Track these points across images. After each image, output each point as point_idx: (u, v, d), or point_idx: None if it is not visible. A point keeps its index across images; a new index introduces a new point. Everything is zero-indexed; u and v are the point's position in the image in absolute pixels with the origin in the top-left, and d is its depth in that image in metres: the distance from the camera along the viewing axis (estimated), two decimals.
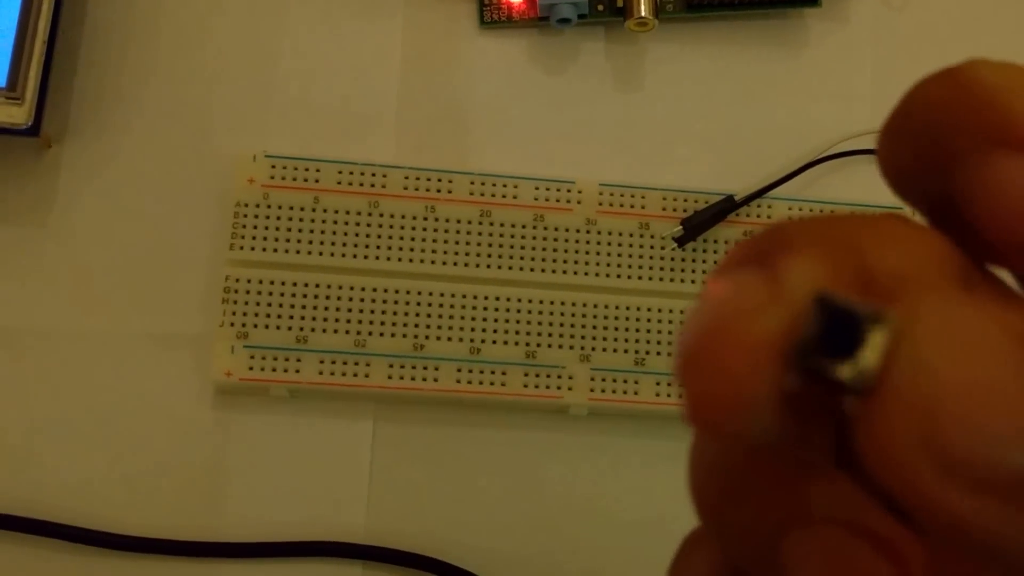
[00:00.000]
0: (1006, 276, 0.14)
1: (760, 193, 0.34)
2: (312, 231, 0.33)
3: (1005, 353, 0.10)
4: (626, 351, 0.33)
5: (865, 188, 0.35)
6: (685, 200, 0.34)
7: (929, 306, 0.11)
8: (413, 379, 0.33)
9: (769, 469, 0.13)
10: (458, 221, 0.33)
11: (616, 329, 0.33)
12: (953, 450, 0.10)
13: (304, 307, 0.33)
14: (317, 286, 0.33)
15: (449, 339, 0.33)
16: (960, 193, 0.13)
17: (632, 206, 0.34)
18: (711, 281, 0.12)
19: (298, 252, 0.33)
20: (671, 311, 0.34)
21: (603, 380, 0.33)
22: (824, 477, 0.12)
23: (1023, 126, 0.13)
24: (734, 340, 0.11)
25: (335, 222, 0.33)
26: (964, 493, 0.10)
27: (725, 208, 0.34)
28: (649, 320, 0.34)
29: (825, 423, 0.12)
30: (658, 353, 0.34)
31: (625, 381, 0.33)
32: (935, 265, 0.13)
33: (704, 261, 0.34)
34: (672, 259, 0.34)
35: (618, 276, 0.34)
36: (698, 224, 0.34)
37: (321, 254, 0.33)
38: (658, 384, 0.33)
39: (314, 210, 0.33)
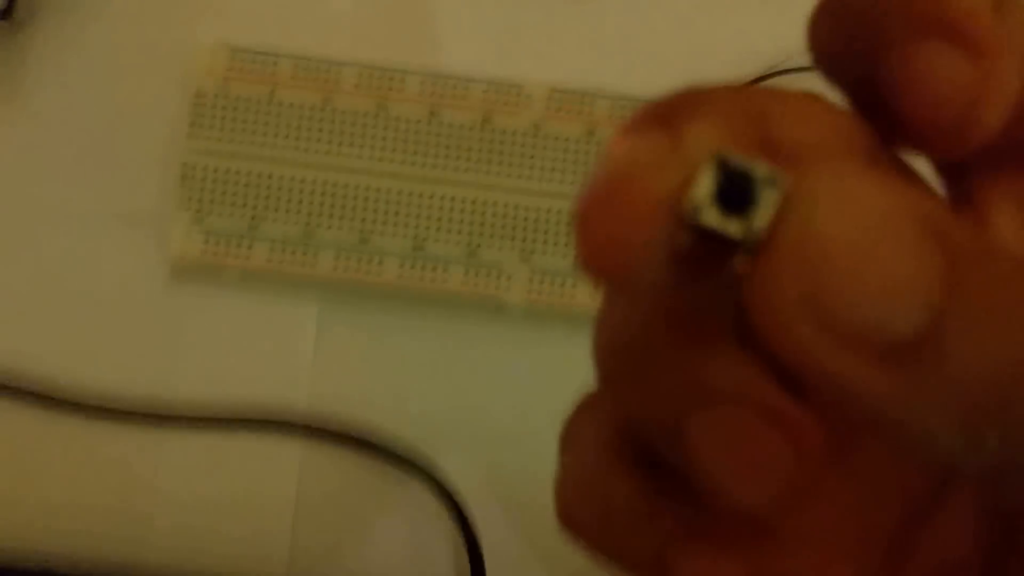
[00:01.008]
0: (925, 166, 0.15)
1: None
2: (267, 123, 0.34)
3: (890, 220, 0.10)
4: (565, 255, 0.35)
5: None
6: (634, 108, 0.35)
7: (823, 171, 0.11)
8: (358, 269, 0.34)
9: (671, 341, 0.13)
10: (407, 120, 0.34)
11: (558, 233, 0.35)
12: (832, 308, 0.10)
13: (257, 196, 0.34)
14: (270, 176, 0.34)
15: (394, 234, 0.34)
16: (885, 79, 0.13)
17: (580, 112, 0.35)
18: (615, 138, 0.12)
19: (253, 143, 0.34)
20: None
21: (541, 282, 0.34)
22: (725, 352, 0.12)
23: (954, 13, 0.13)
24: (630, 193, 0.11)
25: (289, 115, 0.34)
26: (841, 351, 0.10)
27: None
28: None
29: (725, 295, 0.12)
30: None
31: (563, 284, 0.35)
32: (840, 138, 0.13)
33: None
34: None
35: (561, 181, 0.35)
36: None
37: (275, 146, 0.34)
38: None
39: (269, 103, 0.34)
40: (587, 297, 0.35)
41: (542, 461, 0.16)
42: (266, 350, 0.35)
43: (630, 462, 0.14)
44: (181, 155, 0.34)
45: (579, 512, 0.15)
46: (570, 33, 0.36)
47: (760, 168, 0.11)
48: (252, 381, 0.35)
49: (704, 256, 0.11)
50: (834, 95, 0.14)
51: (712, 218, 0.11)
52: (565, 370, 0.35)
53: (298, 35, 0.35)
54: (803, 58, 0.35)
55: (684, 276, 0.12)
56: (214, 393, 0.34)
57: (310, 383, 0.35)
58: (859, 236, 0.10)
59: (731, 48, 0.36)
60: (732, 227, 0.11)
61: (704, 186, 0.11)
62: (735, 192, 0.11)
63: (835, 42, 0.14)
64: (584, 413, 0.15)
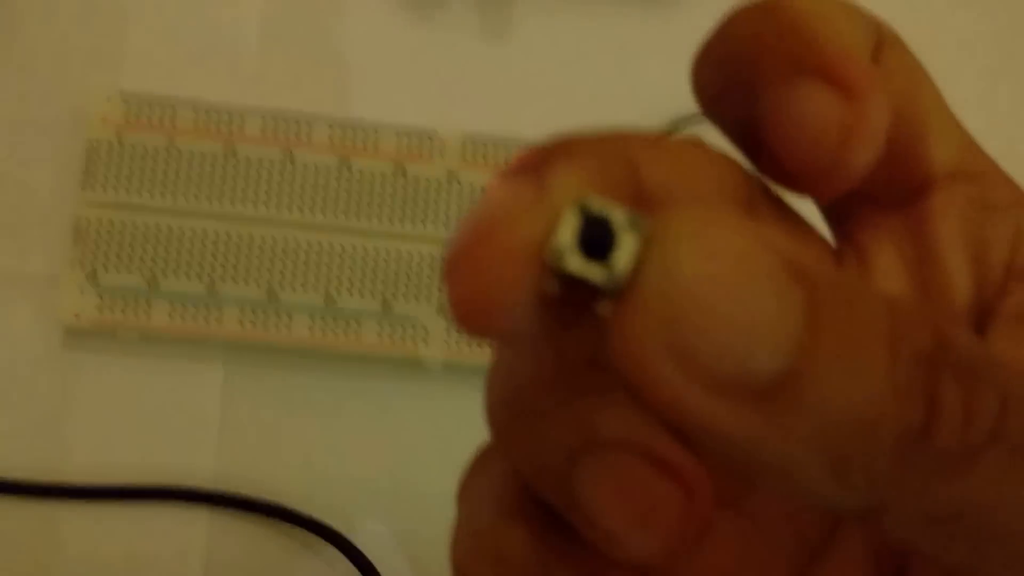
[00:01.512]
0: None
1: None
2: (166, 173, 0.32)
3: (750, 262, 0.10)
4: None
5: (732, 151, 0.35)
6: None
7: (683, 215, 0.11)
8: (266, 327, 0.32)
9: (557, 392, 0.13)
10: (316, 168, 0.33)
11: None
12: (692, 350, 0.10)
13: (156, 250, 0.32)
14: (170, 229, 0.32)
15: (304, 287, 0.33)
16: (761, 119, 0.13)
17: (495, 159, 0.34)
18: (488, 187, 0.12)
19: (151, 194, 0.32)
20: None
21: (459, 335, 0.33)
22: (613, 402, 0.12)
23: (828, 55, 0.13)
24: (494, 243, 0.11)
25: (190, 165, 0.32)
26: (703, 393, 0.10)
27: None
28: None
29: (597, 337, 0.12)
30: None
31: None
32: (711, 184, 0.13)
33: None
34: None
35: None
36: None
37: (175, 197, 0.32)
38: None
39: (168, 152, 0.32)
40: None
41: None
42: (169, 415, 0.33)
43: (524, 515, 0.14)
44: (74, 209, 0.32)
45: (474, 567, 0.14)
46: (483, 80, 0.35)
47: (619, 213, 0.11)
48: (155, 448, 0.33)
49: (571, 303, 0.11)
50: (724, 142, 0.14)
51: (575, 264, 0.11)
52: (483, 428, 0.34)
53: (198, 81, 0.34)
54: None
55: (554, 324, 0.12)
56: (114, 462, 0.32)
57: (216, 448, 0.33)
58: (718, 278, 0.10)
59: (646, 94, 0.36)
60: (594, 272, 0.11)
61: (566, 232, 0.11)
62: (597, 238, 0.11)
63: (717, 84, 0.14)
64: (478, 466, 0.15)
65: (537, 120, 0.35)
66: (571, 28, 0.36)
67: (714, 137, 0.36)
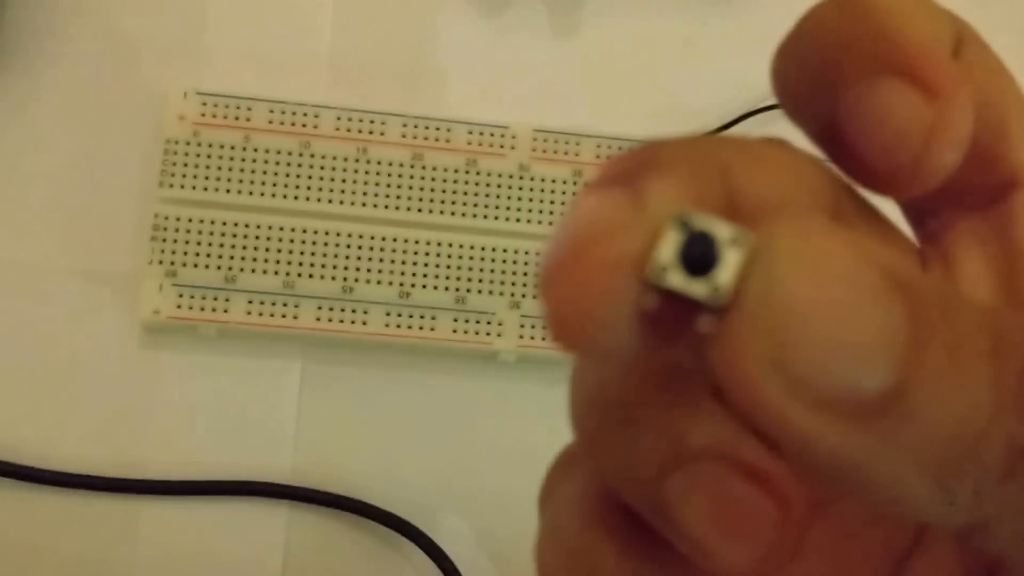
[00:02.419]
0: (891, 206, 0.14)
1: None
2: (243, 170, 0.33)
3: (853, 276, 0.10)
4: None
5: (800, 141, 0.35)
6: (619, 149, 0.34)
7: (787, 228, 0.11)
8: (342, 321, 0.33)
9: (647, 400, 0.13)
10: (390, 164, 0.33)
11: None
12: (797, 368, 0.10)
13: (233, 247, 0.32)
14: (247, 226, 0.32)
15: (379, 282, 0.33)
16: (843, 118, 0.13)
17: (566, 153, 0.34)
18: (579, 198, 0.12)
19: (228, 191, 0.33)
20: None
21: (532, 327, 0.33)
22: (703, 410, 0.12)
23: (911, 53, 0.13)
24: (592, 258, 0.11)
25: (266, 162, 0.33)
26: (808, 410, 0.10)
27: None
28: None
29: (698, 354, 0.11)
30: None
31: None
32: (803, 189, 0.13)
33: None
34: None
35: (550, 223, 0.34)
36: None
37: (251, 193, 0.33)
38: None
39: (244, 149, 0.33)
40: None
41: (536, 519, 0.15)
42: (247, 410, 0.33)
43: (612, 522, 0.14)
44: (152, 206, 0.32)
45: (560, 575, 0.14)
46: (553, 76, 0.36)
47: (722, 228, 0.11)
48: (233, 444, 0.33)
49: (671, 318, 0.11)
50: (801, 139, 0.14)
51: (676, 280, 0.11)
52: (556, 420, 0.34)
53: (273, 79, 0.34)
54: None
55: (653, 339, 0.11)
56: (193, 458, 0.32)
57: (294, 443, 0.33)
58: (822, 294, 0.10)
59: (713, 88, 0.36)
60: (697, 288, 0.11)
61: (667, 248, 0.11)
62: (699, 253, 0.11)
63: (797, 83, 0.14)
64: (563, 470, 0.14)
65: (606, 115, 0.35)
66: (639, 24, 0.36)
67: (785, 132, 0.37)
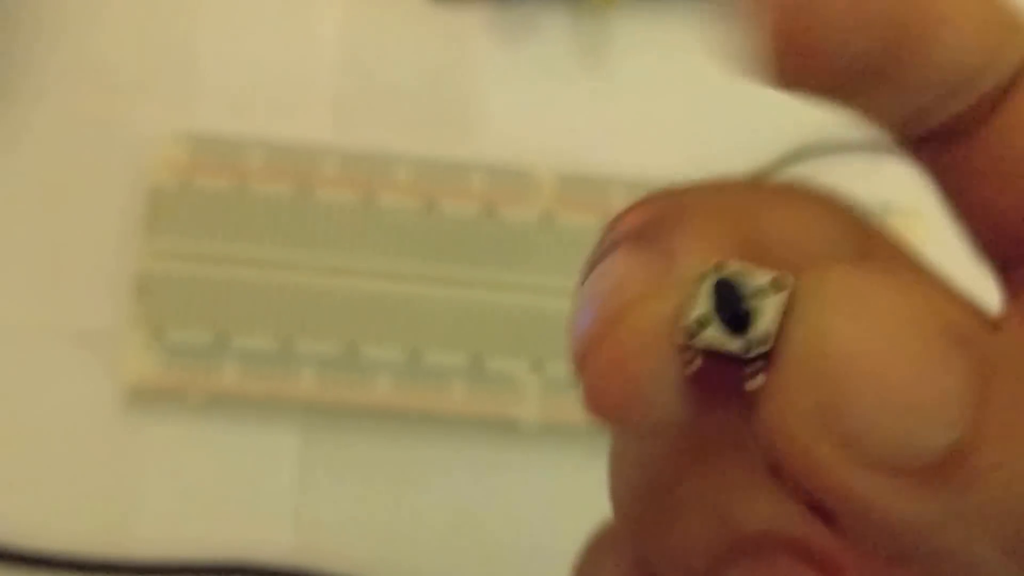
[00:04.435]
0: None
1: None
2: (237, 220, 0.30)
3: (910, 326, 0.10)
4: None
5: (853, 185, 0.32)
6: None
7: (836, 272, 0.10)
8: (346, 386, 0.30)
9: (695, 477, 0.12)
10: (399, 212, 0.30)
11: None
12: (850, 425, 0.10)
13: (226, 304, 0.29)
14: (241, 281, 0.30)
15: (386, 343, 0.30)
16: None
17: (593, 200, 0.31)
18: (604, 259, 0.11)
19: (220, 242, 0.30)
20: None
21: (557, 392, 0.30)
22: (757, 486, 0.12)
23: None
24: (627, 327, 0.11)
25: (262, 211, 0.30)
26: (864, 472, 0.10)
27: None
28: None
29: (745, 419, 0.11)
30: None
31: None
32: (833, 235, 0.12)
33: None
34: None
35: (576, 277, 0.31)
36: None
37: (246, 245, 0.30)
38: None
39: (239, 197, 0.30)
40: None
41: None
42: (242, 484, 0.30)
43: None
44: (136, 260, 0.29)
45: None
46: (578, 114, 0.33)
47: (757, 276, 0.10)
48: (226, 520, 0.30)
49: (717, 379, 0.11)
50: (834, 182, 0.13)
51: (716, 337, 0.10)
52: (586, 497, 0.31)
53: (270, 119, 0.31)
54: (835, 134, 0.32)
55: (699, 405, 0.11)
56: (182, 535, 0.30)
57: (293, 520, 0.30)
58: (876, 345, 0.10)
59: (748, 130, 0.33)
60: (736, 344, 0.10)
61: (702, 305, 0.10)
62: (735, 304, 0.10)
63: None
64: (600, 553, 0.14)
65: (636, 158, 0.32)
66: (671, 63, 0.33)
67: (820, 174, 0.33)
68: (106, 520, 0.30)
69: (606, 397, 0.11)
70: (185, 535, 0.30)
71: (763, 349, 0.10)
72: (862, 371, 0.09)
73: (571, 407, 0.30)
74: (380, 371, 0.30)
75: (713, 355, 0.10)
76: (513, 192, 0.31)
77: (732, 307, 0.10)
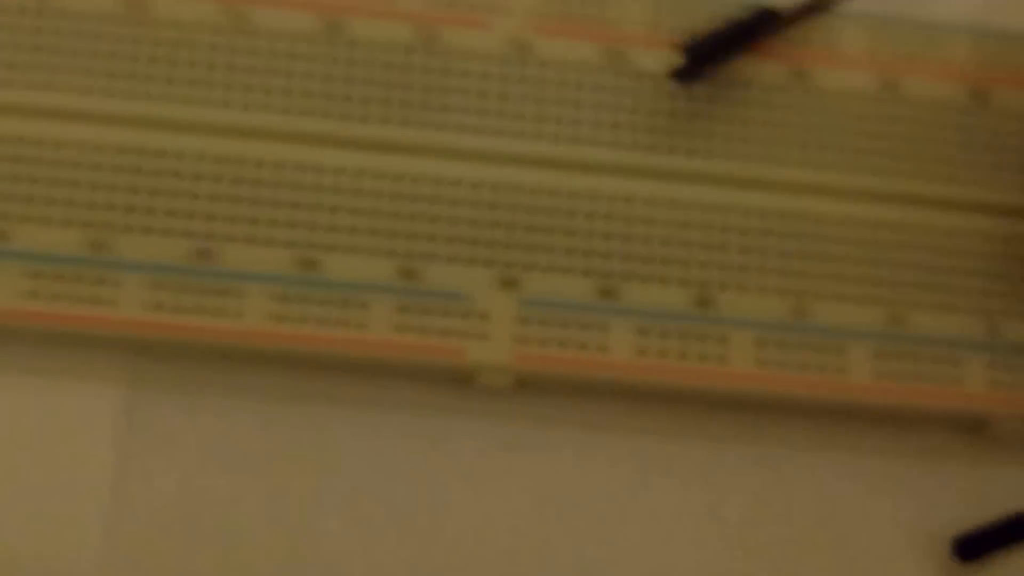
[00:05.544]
0: None
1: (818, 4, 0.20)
2: (34, 48, 0.19)
3: None
4: (586, 273, 0.19)
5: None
6: (686, 12, 0.20)
7: None
8: (195, 311, 0.18)
9: None
10: (276, 41, 0.20)
11: (565, 233, 0.19)
12: None
13: (11, 179, 0.19)
14: (38, 142, 0.19)
15: (263, 241, 0.19)
16: None
17: (594, 21, 0.20)
18: None
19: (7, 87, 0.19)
20: (660, 204, 0.19)
21: (541, 323, 0.19)
22: None
23: None
24: None
25: (74, 34, 0.19)
26: None
27: (757, 24, 0.20)
28: (622, 218, 0.19)
29: None
30: (637, 278, 0.19)
31: (582, 326, 0.19)
32: None
33: (719, 117, 0.20)
34: (665, 112, 0.20)
35: (568, 141, 0.19)
36: (711, 49, 0.20)
37: (51, 88, 0.19)
38: (640, 333, 0.19)
39: (39, 14, 0.19)
40: (626, 350, 0.19)
41: None
42: (27, 467, 0.19)
43: None
44: None
45: None
46: None
47: None
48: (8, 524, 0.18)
49: None
50: None
51: None
52: (556, 486, 0.20)
53: None
54: None
55: None
56: None
57: (104, 522, 0.18)
58: None
59: None
60: None
61: None
62: None
63: None
64: None
65: None
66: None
67: None
68: None
69: None
70: None
71: None
72: None
73: (559, 348, 0.19)
74: (251, 285, 0.19)
75: None
76: (465, 8, 0.20)
77: None
